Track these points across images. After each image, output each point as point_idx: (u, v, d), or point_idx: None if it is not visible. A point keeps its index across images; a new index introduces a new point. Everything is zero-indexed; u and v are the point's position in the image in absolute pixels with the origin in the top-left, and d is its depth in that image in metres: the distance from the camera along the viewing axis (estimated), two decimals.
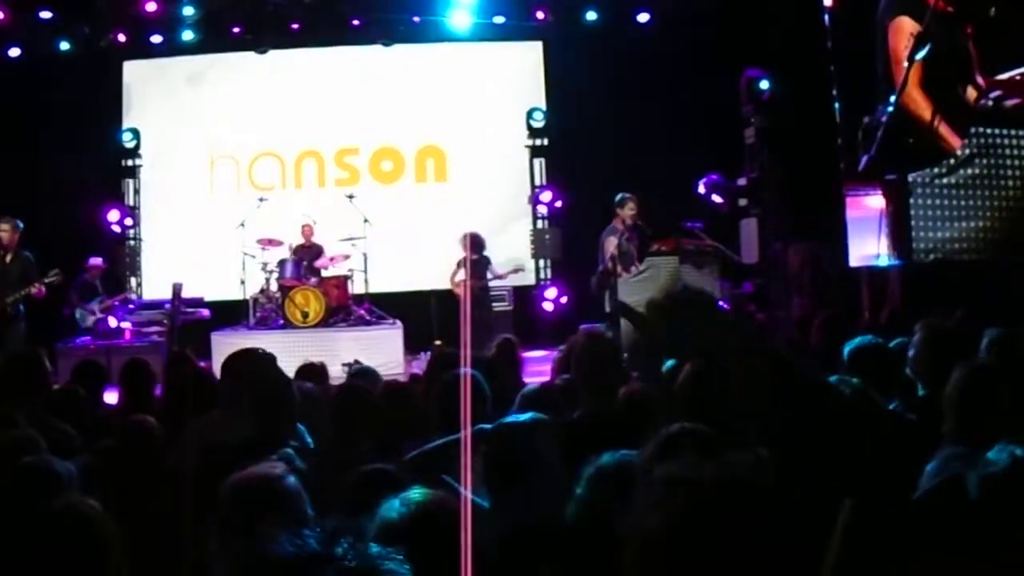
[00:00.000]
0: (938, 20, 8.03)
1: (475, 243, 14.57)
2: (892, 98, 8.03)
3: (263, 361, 5.89)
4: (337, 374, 7.61)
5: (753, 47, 14.48)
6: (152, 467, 4.95)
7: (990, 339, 5.70)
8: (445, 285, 14.67)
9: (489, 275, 14.65)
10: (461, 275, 14.39)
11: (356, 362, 6.71)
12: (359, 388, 5.21)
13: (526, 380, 7.59)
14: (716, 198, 14.01)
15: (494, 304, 15.14)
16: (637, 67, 15.82)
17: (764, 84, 14.24)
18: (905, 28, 8.20)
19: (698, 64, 15.30)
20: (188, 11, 15.89)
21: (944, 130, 8.17)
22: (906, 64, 7.93)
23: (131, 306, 15.23)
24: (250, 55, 16.88)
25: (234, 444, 4.68)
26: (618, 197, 13.08)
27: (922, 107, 8.15)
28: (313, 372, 6.86)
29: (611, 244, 12.93)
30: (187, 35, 16.28)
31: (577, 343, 5.85)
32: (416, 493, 3.04)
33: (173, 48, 16.47)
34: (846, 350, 5.57)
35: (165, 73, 16.94)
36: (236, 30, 16.48)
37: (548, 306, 16.07)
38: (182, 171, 16.93)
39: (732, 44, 14.78)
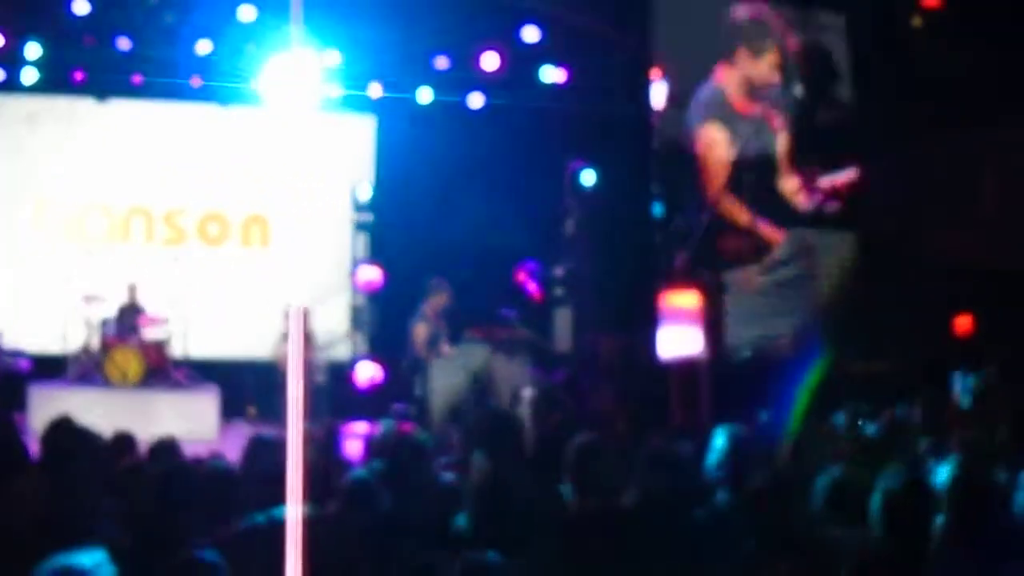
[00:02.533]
0: (749, 125, 8.39)
1: (303, 317, 14.55)
2: (706, 202, 8.33)
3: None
4: (148, 440, 7.48)
5: (580, 140, 14.85)
6: None
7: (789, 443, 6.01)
8: (262, 354, 14.55)
9: (309, 349, 14.60)
10: (285, 347, 14.33)
11: (164, 438, 6.61)
12: (180, 468, 5.19)
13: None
14: (532, 286, 14.27)
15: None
16: (467, 149, 15.99)
17: (587, 177, 14.59)
18: (710, 136, 8.60)
19: (525, 151, 15.59)
20: (32, 50, 15.46)
21: (763, 228, 8.52)
22: (719, 169, 8.29)
23: None
24: (90, 101, 16.55)
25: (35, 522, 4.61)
26: (429, 283, 13.28)
27: (736, 211, 8.51)
28: (121, 445, 6.74)
29: (421, 330, 13.11)
30: (29, 73, 15.73)
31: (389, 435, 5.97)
32: None
33: (13, 85, 15.89)
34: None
35: (2, 110, 16.46)
36: (79, 76, 16.09)
37: (361, 382, 15.93)
38: (8, 214, 16.39)
39: (560, 135, 15.12)
